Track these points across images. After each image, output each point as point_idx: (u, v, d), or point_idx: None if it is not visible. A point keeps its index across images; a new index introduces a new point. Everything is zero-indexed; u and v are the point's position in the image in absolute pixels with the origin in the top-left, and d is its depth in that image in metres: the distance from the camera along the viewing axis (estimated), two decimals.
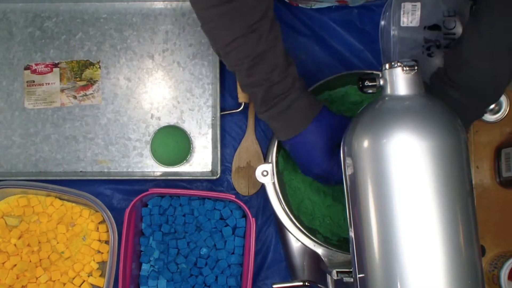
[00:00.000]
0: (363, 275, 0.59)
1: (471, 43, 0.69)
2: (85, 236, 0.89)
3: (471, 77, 0.69)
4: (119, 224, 0.85)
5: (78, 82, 0.93)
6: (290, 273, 0.89)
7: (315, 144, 0.71)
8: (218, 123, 0.89)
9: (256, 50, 0.66)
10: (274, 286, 0.76)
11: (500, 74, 0.69)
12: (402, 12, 0.85)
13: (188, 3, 0.93)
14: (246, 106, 0.92)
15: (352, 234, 0.61)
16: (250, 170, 0.91)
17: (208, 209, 0.88)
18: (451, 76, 0.70)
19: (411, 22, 0.85)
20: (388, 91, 0.61)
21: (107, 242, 0.89)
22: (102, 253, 0.89)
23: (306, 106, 0.70)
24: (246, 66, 0.67)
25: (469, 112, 0.72)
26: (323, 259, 0.78)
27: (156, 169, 0.92)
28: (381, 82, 0.62)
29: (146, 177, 0.90)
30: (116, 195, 0.92)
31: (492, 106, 0.90)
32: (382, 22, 0.90)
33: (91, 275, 0.89)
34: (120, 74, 0.93)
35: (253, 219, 0.83)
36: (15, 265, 0.87)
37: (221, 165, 0.90)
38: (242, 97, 0.90)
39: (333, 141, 0.71)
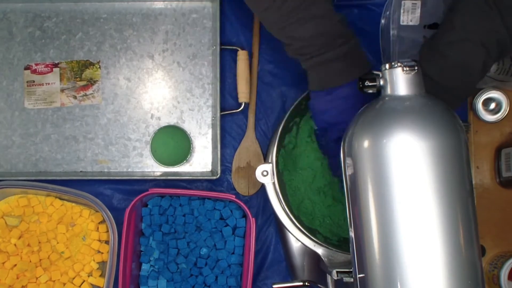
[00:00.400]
0: (363, 275, 0.59)
1: (445, 35, 0.69)
2: (85, 236, 0.89)
3: (442, 68, 0.69)
4: (119, 224, 0.85)
5: (78, 82, 0.93)
6: (290, 273, 0.89)
7: None
8: (218, 123, 0.89)
9: None
10: (274, 286, 0.76)
11: (471, 66, 0.69)
12: (402, 11, 0.84)
13: (188, 3, 0.93)
14: (246, 106, 0.92)
15: (352, 234, 0.61)
16: (250, 170, 0.91)
17: (208, 209, 0.88)
18: (422, 66, 0.70)
19: (411, 21, 0.85)
20: (388, 91, 0.61)
21: (107, 242, 0.89)
22: (102, 253, 0.89)
23: (363, 53, 0.73)
24: None
25: None
26: (323, 259, 0.78)
27: (156, 169, 0.92)
28: (381, 82, 0.62)
29: (146, 177, 0.90)
30: (116, 195, 0.92)
31: (492, 106, 0.90)
32: (383, 21, 0.89)
33: (91, 275, 0.89)
34: (120, 74, 0.93)
35: (253, 219, 0.83)
36: (15, 265, 0.87)
37: (221, 165, 0.90)
38: (242, 97, 0.90)
39: None
